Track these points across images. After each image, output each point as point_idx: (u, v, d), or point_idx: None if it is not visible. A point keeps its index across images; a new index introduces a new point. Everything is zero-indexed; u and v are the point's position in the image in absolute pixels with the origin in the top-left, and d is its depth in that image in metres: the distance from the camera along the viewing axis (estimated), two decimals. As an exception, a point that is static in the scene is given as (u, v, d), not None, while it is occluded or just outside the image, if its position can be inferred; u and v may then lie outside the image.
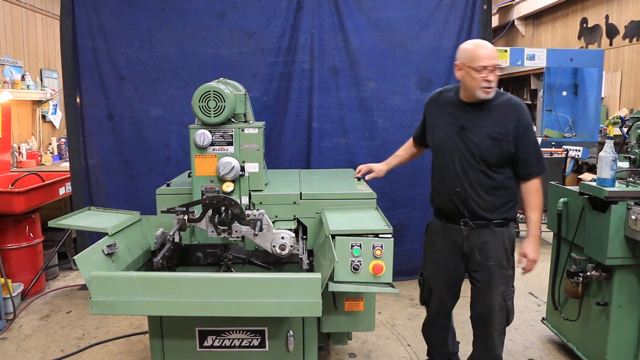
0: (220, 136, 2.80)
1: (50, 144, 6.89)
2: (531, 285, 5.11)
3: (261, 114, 4.79)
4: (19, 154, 6.14)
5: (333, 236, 2.41)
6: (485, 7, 4.84)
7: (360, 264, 2.38)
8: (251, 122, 2.89)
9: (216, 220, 2.60)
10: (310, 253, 2.85)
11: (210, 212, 2.60)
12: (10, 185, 4.95)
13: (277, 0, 4.71)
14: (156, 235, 2.73)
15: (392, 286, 2.40)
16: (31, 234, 4.94)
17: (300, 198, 2.86)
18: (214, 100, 2.73)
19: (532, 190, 2.75)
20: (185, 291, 2.08)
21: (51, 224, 2.70)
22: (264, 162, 2.93)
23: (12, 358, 3.86)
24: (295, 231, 2.80)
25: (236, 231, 2.63)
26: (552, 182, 3.73)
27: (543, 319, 3.98)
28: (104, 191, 5.00)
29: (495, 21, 10.63)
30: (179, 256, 2.90)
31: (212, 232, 2.65)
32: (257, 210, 2.67)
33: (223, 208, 2.58)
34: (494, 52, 2.69)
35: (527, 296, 4.88)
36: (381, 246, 2.39)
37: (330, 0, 4.72)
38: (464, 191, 2.75)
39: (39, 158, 6.32)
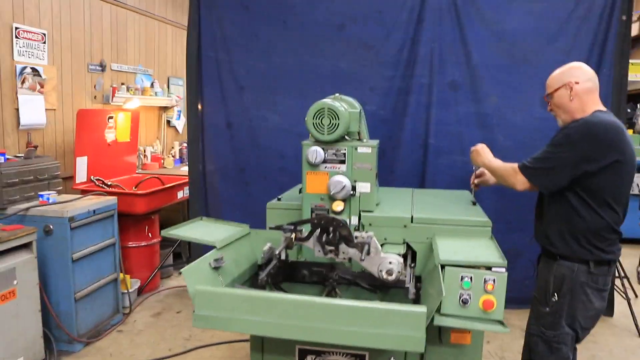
0: (333, 154, 2.75)
1: (172, 147, 7.24)
2: None
3: (377, 128, 4.68)
4: (144, 157, 6.50)
5: (442, 266, 2.26)
6: (624, 18, 4.42)
7: (470, 298, 2.22)
8: (365, 140, 2.81)
9: (324, 239, 2.54)
10: (419, 279, 2.72)
11: (318, 231, 2.54)
12: (134, 187, 5.24)
13: (397, 12, 4.61)
14: (263, 250, 2.71)
15: (503, 325, 2.20)
16: (150, 233, 5.19)
17: (411, 222, 2.73)
18: (328, 118, 2.68)
19: None
20: (287, 313, 2.03)
21: (163, 233, 2.78)
22: (376, 181, 2.83)
23: (125, 350, 4.06)
24: (404, 256, 2.67)
25: (343, 252, 2.55)
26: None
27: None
28: (219, 197, 5.15)
29: (635, 30, 9.65)
30: (284, 272, 2.87)
31: (319, 251, 2.59)
32: (366, 232, 2.57)
33: (331, 228, 2.51)
34: (550, 78, 2.73)
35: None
36: (493, 280, 2.21)
37: (452, 12, 4.54)
38: None
39: (162, 161, 6.65)
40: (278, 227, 2.57)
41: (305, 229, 2.60)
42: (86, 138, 4.96)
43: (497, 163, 2.89)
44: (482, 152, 3.03)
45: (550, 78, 2.74)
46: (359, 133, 2.84)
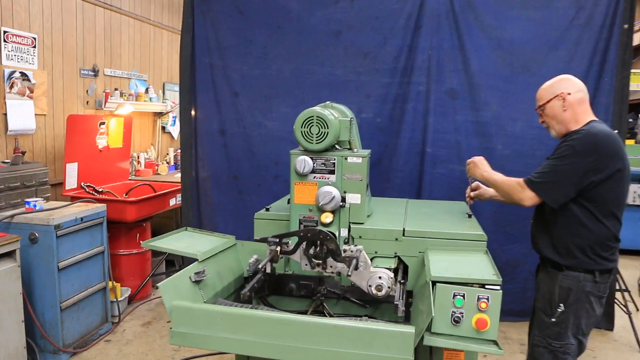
0: (322, 164, 2.65)
1: (167, 154, 7.14)
2: None
3: (374, 136, 4.62)
4: (138, 163, 6.40)
5: (434, 282, 2.16)
6: (625, 26, 4.33)
7: (462, 316, 2.11)
8: (356, 150, 2.70)
9: (310, 253, 2.44)
10: (411, 294, 2.62)
11: (304, 244, 2.44)
12: (124, 194, 5.15)
13: (395, 19, 4.52)
14: (249, 262, 2.61)
15: (497, 345, 2.10)
16: (141, 241, 5.09)
17: (403, 235, 2.62)
18: (317, 126, 2.58)
19: None
20: (266, 331, 1.92)
21: (144, 245, 2.69)
22: (367, 192, 2.74)
23: (112, 363, 3.97)
24: (395, 270, 2.56)
25: (331, 266, 2.45)
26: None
27: None
28: (212, 205, 5.05)
29: (637, 39, 9.47)
30: (271, 285, 2.77)
31: (306, 265, 2.49)
32: (355, 245, 2.47)
33: (318, 242, 2.41)
34: (541, 90, 2.74)
35: None
36: (487, 298, 2.10)
37: (450, 19, 4.44)
38: None
39: (156, 167, 6.55)
40: (263, 240, 2.47)
41: (293, 241, 2.50)
42: (77, 144, 4.86)
43: (499, 177, 2.80)
44: (481, 164, 2.96)
45: (540, 90, 2.76)
46: (349, 142, 2.74)
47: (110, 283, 4.54)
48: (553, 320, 2.60)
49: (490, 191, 3.06)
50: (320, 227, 2.55)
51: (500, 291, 2.11)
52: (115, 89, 5.93)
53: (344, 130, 2.67)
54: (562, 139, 2.63)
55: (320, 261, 2.45)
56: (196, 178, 5.06)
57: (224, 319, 1.95)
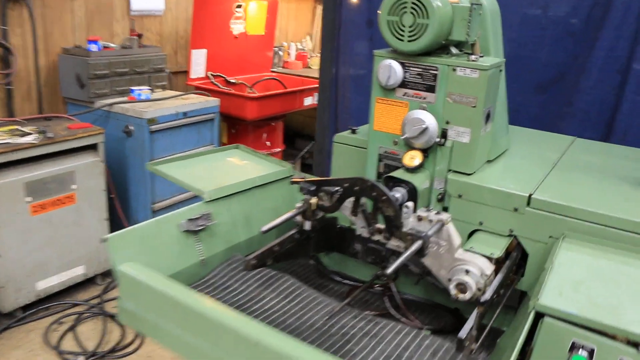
0: (418, 74, 1.71)
1: (326, 46, 6.41)
2: None
3: (560, 42, 3.39)
4: (287, 54, 5.76)
5: (540, 315, 1.19)
6: None
7: None
8: (476, 57, 1.68)
9: (362, 211, 1.58)
10: (523, 296, 1.66)
11: (353, 199, 1.59)
12: (248, 89, 4.58)
13: None
14: (297, 205, 1.79)
15: None
16: (269, 142, 4.56)
17: (528, 204, 1.60)
18: (412, 14, 1.63)
19: None
20: (223, 343, 1.18)
21: (148, 167, 2.07)
22: (486, 126, 1.75)
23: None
24: (502, 261, 1.60)
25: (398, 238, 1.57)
26: None
27: None
28: (349, 109, 4.31)
29: None
30: (330, 240, 1.98)
31: (363, 227, 1.65)
32: (439, 212, 1.54)
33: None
34: None
35: None
36: None
37: None
38: None
39: (308, 60, 5.87)
40: (296, 182, 1.68)
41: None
42: (206, 28, 4.33)
43: None
44: None
45: None
46: (472, 45, 1.74)
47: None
48: None
49: None
50: (380, 180, 1.65)
51: None
52: (266, -32, 5.23)
53: (459, 24, 1.67)
54: None
55: (383, 226, 1.59)
56: (335, 76, 4.31)
57: (174, 307, 1.25)
